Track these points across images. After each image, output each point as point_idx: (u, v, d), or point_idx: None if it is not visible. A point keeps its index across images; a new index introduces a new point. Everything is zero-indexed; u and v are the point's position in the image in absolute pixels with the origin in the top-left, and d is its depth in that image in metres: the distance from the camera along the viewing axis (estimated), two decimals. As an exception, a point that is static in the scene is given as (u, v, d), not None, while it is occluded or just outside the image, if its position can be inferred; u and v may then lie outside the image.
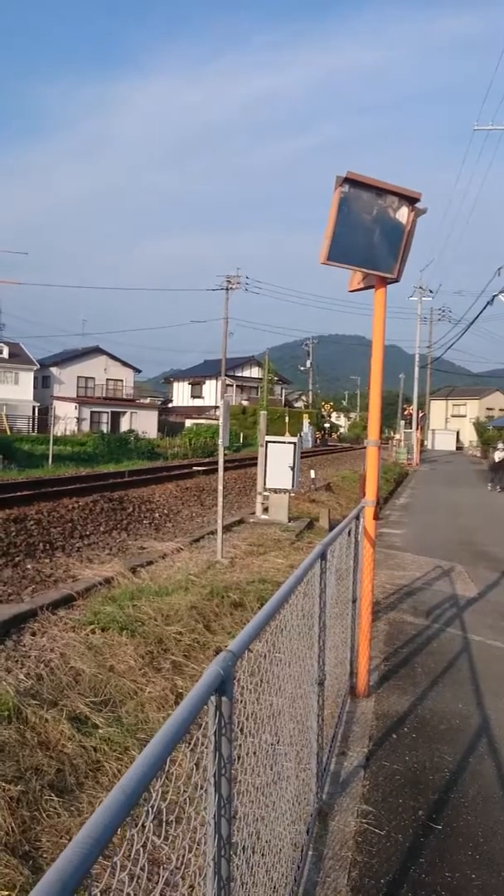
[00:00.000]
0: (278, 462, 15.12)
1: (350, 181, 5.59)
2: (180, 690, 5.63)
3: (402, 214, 5.77)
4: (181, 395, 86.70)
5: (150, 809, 1.51)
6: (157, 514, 16.33)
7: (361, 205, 5.69)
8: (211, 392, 79.67)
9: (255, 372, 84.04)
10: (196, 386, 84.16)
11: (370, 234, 5.77)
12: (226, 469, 12.03)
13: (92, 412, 63.93)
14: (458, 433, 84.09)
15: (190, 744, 1.98)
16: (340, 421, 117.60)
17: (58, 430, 46.25)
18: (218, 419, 11.32)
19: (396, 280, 5.94)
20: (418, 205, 5.80)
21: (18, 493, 16.36)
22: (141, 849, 1.54)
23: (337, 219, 5.59)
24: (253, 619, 2.51)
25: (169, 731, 1.54)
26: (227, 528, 12.70)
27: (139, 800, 1.32)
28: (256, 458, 16.20)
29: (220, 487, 11.37)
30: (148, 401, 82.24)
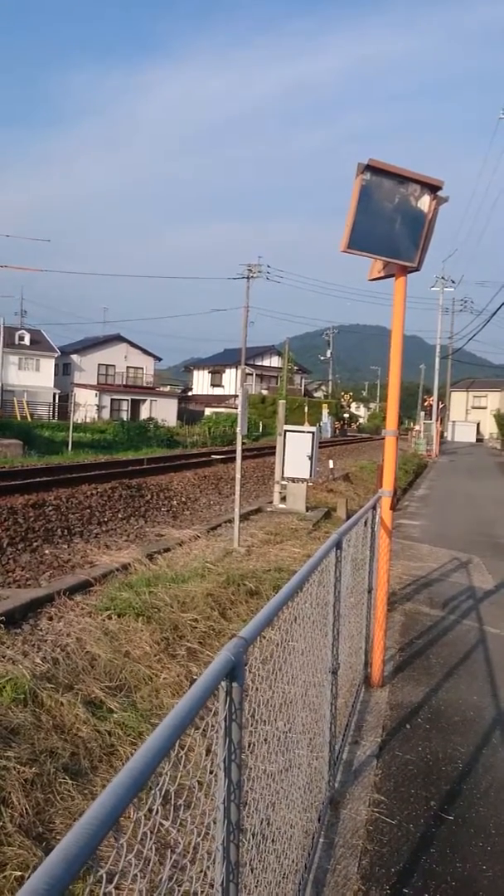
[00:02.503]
0: (296, 451, 15.09)
1: (372, 169, 5.55)
2: (195, 677, 5.64)
3: (424, 202, 5.72)
4: (201, 383, 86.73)
5: (157, 792, 1.52)
6: (174, 502, 16.38)
7: (383, 193, 5.65)
8: (231, 381, 79.63)
9: (275, 361, 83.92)
10: (216, 374, 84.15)
11: (391, 223, 5.72)
12: (244, 458, 12.04)
13: (112, 399, 64.12)
14: (478, 425, 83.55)
15: (201, 728, 1.98)
16: (360, 411, 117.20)
17: (78, 417, 46.47)
18: (237, 408, 11.32)
19: (417, 269, 5.89)
20: (440, 193, 5.75)
21: (38, 479, 16.46)
22: (149, 832, 1.55)
23: (358, 206, 5.55)
24: (265, 606, 2.51)
25: (178, 715, 1.54)
26: (244, 517, 12.72)
27: (147, 782, 1.33)
28: (275, 448, 16.19)
29: (238, 476, 11.38)
30: (168, 389, 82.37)
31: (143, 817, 1.53)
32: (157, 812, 1.52)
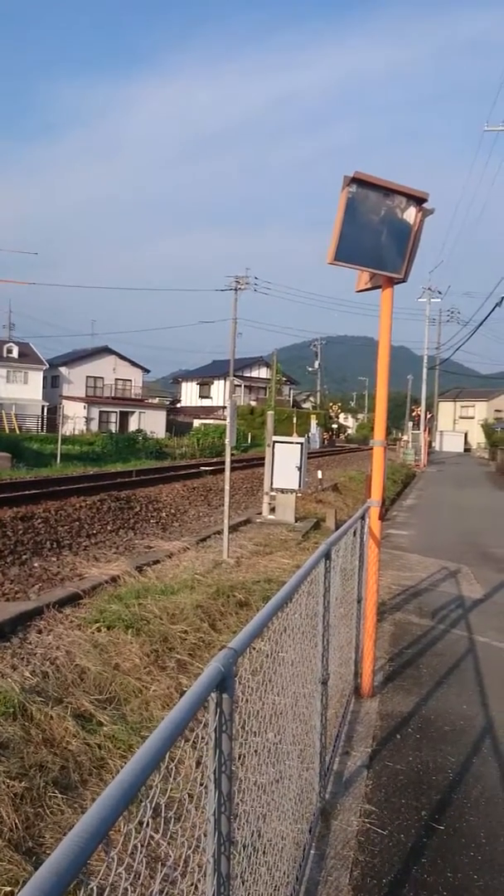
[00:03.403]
0: (285, 462, 15.11)
1: (357, 181, 5.59)
2: (185, 689, 5.62)
3: (410, 214, 5.76)
4: (189, 395, 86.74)
5: (147, 805, 1.52)
6: (163, 514, 16.35)
7: (369, 205, 5.69)
8: (219, 392, 79.69)
9: (263, 372, 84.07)
10: (204, 386, 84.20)
11: (377, 235, 5.77)
12: (233, 469, 12.05)
13: (101, 412, 64.04)
14: (466, 435, 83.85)
15: (191, 741, 1.98)
16: (348, 422, 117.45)
17: (66, 429, 46.38)
18: (226, 419, 11.33)
19: (403, 280, 5.93)
20: (426, 205, 5.79)
21: (26, 492, 16.41)
22: (139, 844, 1.55)
23: (344, 219, 5.59)
24: (255, 618, 2.51)
25: (168, 726, 1.54)
26: (233, 528, 12.71)
27: (137, 794, 1.33)
28: (263, 459, 16.21)
29: (227, 487, 11.37)
30: (156, 401, 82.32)
31: (133, 830, 1.53)
32: (147, 825, 1.52)
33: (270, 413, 17.13)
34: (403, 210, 5.76)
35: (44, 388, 65.38)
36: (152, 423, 62.72)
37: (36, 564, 10.27)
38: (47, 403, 62.74)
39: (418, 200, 5.77)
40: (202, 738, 1.95)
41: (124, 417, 65.04)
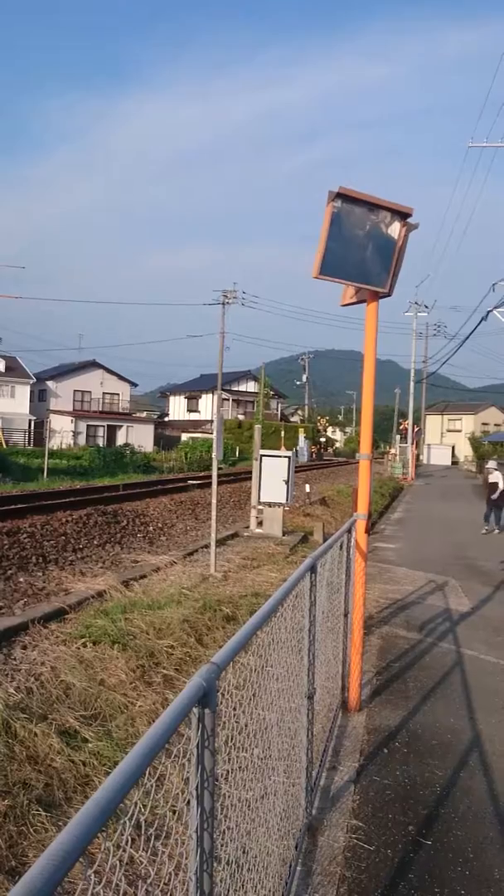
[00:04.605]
0: (273, 476, 15.11)
1: (342, 196, 5.63)
2: (171, 704, 5.58)
3: (395, 229, 5.80)
4: (177, 409, 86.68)
5: (127, 822, 1.50)
6: (151, 528, 16.29)
7: (354, 219, 5.73)
8: (207, 406, 79.67)
9: (251, 386, 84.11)
10: (192, 400, 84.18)
11: (362, 249, 5.80)
12: (220, 483, 12.03)
13: (88, 426, 63.88)
14: (453, 448, 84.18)
15: (173, 756, 1.97)
16: (336, 435, 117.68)
17: (54, 443, 46.25)
18: (213, 433, 11.33)
19: (388, 294, 5.97)
20: (410, 220, 5.84)
21: (12, 507, 16.31)
22: (118, 862, 1.52)
23: (329, 233, 5.63)
24: (238, 632, 2.50)
25: (148, 742, 1.53)
26: (220, 542, 12.68)
27: (116, 811, 1.31)
28: (251, 472, 16.20)
29: (214, 501, 11.35)
30: (144, 415, 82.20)
31: (112, 848, 1.51)
32: (127, 842, 1.50)
33: (258, 427, 17.15)
34: (388, 225, 5.80)
35: (31, 402, 65.17)
36: (140, 437, 62.61)
37: (21, 579, 10.20)
38: (34, 417, 62.53)
39: (403, 215, 5.81)
40: (184, 753, 1.93)
41: (112, 431, 64.90)
